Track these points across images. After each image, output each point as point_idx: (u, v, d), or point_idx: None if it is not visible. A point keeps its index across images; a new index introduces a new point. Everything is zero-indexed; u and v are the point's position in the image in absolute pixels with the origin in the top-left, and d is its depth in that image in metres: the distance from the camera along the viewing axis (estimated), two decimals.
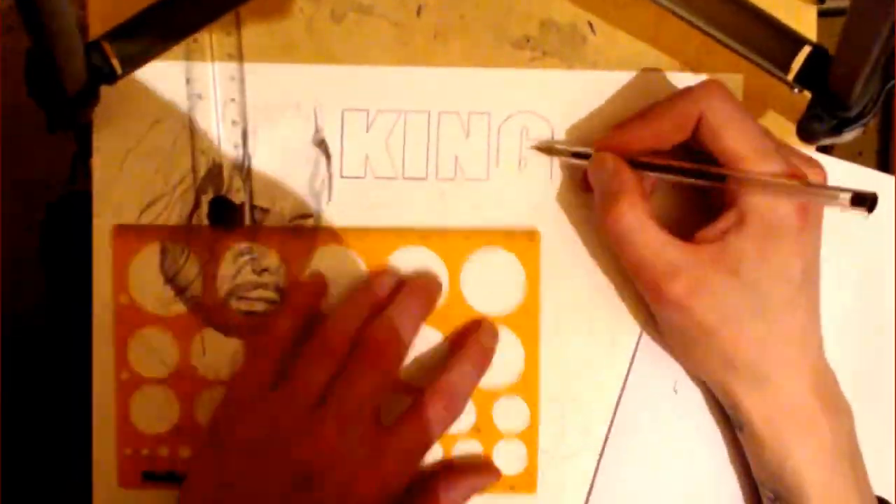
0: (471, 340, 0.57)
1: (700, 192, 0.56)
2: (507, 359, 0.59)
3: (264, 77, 0.59)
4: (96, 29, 0.57)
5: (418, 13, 0.60)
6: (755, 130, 0.51)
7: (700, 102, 0.51)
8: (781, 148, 0.53)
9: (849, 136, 0.54)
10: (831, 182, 0.54)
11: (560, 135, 0.60)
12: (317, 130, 0.60)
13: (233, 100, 0.59)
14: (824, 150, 0.60)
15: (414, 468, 0.54)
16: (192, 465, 0.56)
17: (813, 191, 0.50)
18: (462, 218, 0.60)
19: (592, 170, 0.55)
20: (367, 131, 0.60)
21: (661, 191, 0.58)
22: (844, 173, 0.58)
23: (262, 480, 0.51)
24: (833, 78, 0.52)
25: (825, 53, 0.53)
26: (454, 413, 0.55)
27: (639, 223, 0.51)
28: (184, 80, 0.59)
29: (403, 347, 0.56)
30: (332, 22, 0.60)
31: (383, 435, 0.53)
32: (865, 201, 0.46)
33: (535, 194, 0.60)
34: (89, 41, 0.54)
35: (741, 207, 0.50)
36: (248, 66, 0.59)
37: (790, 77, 0.54)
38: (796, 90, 0.54)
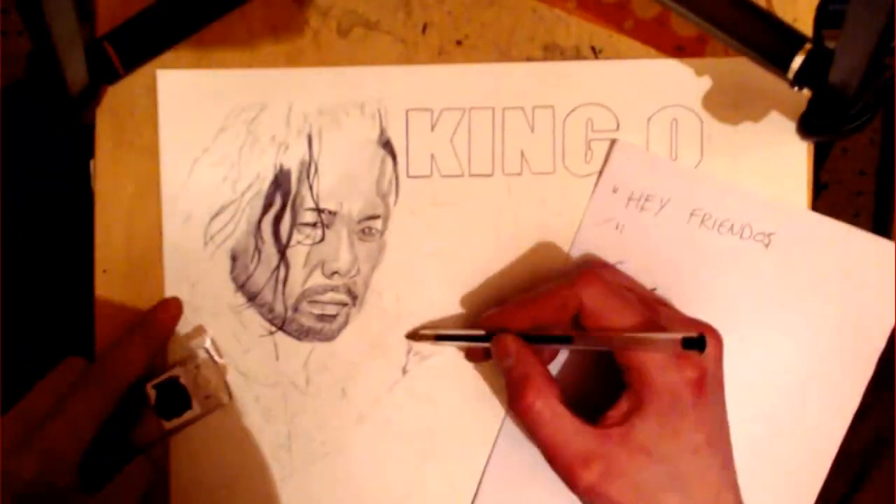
0: None
1: (601, 367, 0.57)
2: None
3: (327, 81, 0.59)
4: (104, 29, 0.57)
5: (423, 31, 0.60)
6: (630, 307, 0.52)
7: (580, 292, 0.52)
8: (665, 314, 0.54)
9: (848, 134, 0.54)
10: (842, 244, 0.59)
11: (625, 125, 0.60)
12: (382, 131, 0.60)
13: (296, 105, 0.59)
14: (825, 151, 0.60)
15: None
16: None
17: (646, 340, 0.51)
18: (531, 212, 0.60)
19: (495, 353, 0.55)
20: (431, 130, 0.60)
21: (567, 367, 0.59)
22: (844, 236, 0.59)
23: None
24: (833, 75, 0.51)
25: (825, 51, 0.52)
26: None
27: (549, 411, 0.52)
28: (247, 88, 0.59)
29: None
30: (339, 36, 0.60)
31: None
32: (695, 344, 0.49)
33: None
34: (90, 41, 0.54)
35: (638, 389, 0.52)
36: (310, 70, 0.59)
37: (790, 75, 0.54)
38: (796, 88, 0.54)
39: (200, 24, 0.57)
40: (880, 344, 0.59)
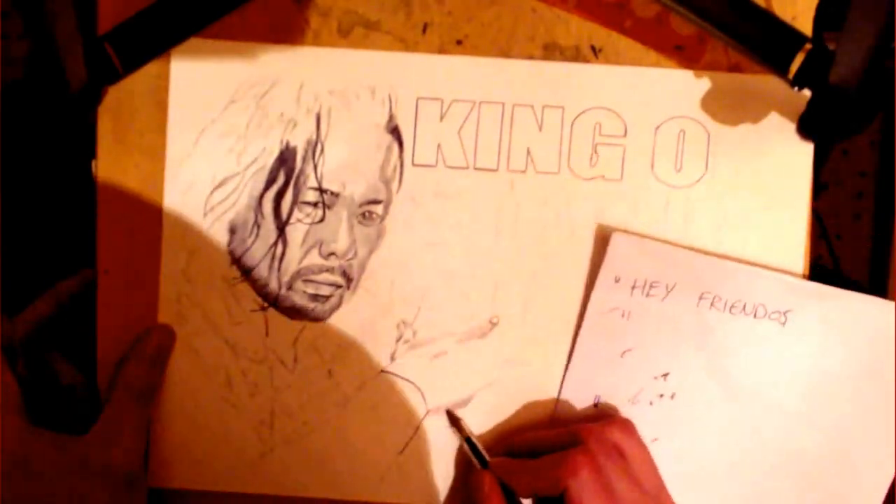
0: None
1: None
2: None
3: (340, 62, 0.59)
4: (105, 29, 0.57)
5: (424, 31, 0.59)
6: None
7: (566, 478, 0.54)
8: None
9: (848, 134, 0.54)
10: (850, 314, 0.59)
11: (632, 131, 0.60)
12: (391, 117, 0.59)
13: (308, 84, 0.59)
14: (824, 148, 0.60)
15: None
16: None
17: None
18: (532, 210, 0.60)
19: (472, 482, 0.58)
20: (440, 120, 0.60)
21: None
22: (824, 297, 0.59)
23: None
24: (833, 76, 0.52)
25: (825, 51, 0.52)
26: None
27: None
28: (261, 62, 0.59)
29: None
30: (339, 36, 0.59)
31: None
32: None
33: (604, 189, 0.60)
34: (90, 41, 0.54)
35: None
36: (324, 50, 0.59)
37: (790, 75, 0.54)
38: (796, 88, 0.54)
39: (200, 24, 0.57)
40: None
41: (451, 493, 0.61)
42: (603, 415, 0.60)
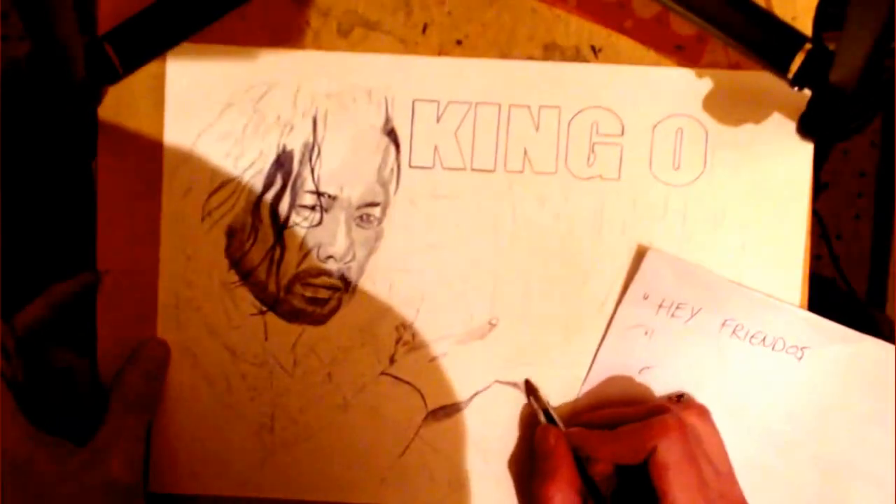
0: None
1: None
2: None
3: (336, 65, 0.59)
4: (105, 29, 0.57)
5: (424, 31, 0.59)
6: (695, 483, 0.53)
7: (655, 438, 0.53)
8: (721, 499, 0.54)
9: (848, 134, 0.54)
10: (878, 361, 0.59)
11: (630, 130, 0.60)
12: (387, 119, 0.59)
13: (304, 87, 0.59)
14: (824, 148, 0.60)
15: None
16: None
17: None
18: (529, 211, 0.60)
19: (536, 437, 0.58)
20: (437, 122, 0.60)
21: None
22: (842, 339, 0.59)
23: None
24: (833, 76, 0.51)
25: (825, 51, 0.52)
26: None
27: None
28: (257, 66, 0.59)
29: None
30: (339, 36, 0.59)
31: None
32: None
33: (602, 189, 0.60)
34: (90, 41, 0.54)
35: None
36: (320, 54, 0.59)
37: (790, 75, 0.54)
38: (796, 88, 0.54)
39: (200, 24, 0.57)
40: None
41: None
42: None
